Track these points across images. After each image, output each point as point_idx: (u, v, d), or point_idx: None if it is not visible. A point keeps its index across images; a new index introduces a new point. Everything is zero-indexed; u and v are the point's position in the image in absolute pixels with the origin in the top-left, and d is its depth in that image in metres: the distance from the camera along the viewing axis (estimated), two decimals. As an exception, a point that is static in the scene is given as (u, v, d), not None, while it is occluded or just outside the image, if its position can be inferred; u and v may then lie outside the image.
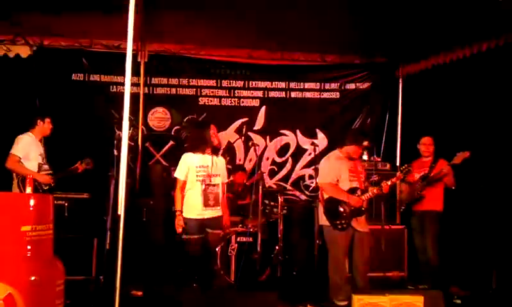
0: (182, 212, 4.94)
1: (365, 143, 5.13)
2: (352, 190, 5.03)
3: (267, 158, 7.83)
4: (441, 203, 5.88)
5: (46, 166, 5.62)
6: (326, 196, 5.15)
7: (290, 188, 7.83)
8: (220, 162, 5.14)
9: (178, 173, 5.00)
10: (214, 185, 4.97)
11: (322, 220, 5.16)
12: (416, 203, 5.91)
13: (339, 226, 4.98)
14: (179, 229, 4.92)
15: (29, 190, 3.73)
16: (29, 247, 3.36)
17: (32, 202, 3.45)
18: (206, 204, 4.91)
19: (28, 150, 5.46)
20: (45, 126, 5.67)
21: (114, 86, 7.38)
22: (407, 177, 5.56)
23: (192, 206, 4.94)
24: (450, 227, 6.16)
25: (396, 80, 7.91)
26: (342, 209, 4.99)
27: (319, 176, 5.30)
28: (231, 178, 6.27)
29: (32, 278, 3.32)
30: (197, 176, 4.94)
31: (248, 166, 7.63)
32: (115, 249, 3.54)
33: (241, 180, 6.89)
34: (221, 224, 5.12)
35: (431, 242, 5.78)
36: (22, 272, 3.31)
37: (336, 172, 5.08)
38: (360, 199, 4.96)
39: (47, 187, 5.53)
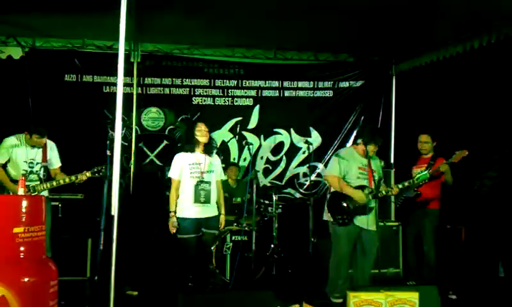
0: (175, 212, 4.94)
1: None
2: (357, 188, 4.96)
3: (262, 157, 7.84)
4: (439, 200, 5.86)
5: (33, 176, 5.12)
6: (331, 190, 5.13)
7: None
8: (215, 159, 5.13)
9: (172, 173, 5.02)
10: (206, 182, 4.96)
11: (327, 215, 5.12)
12: (414, 200, 5.87)
13: (340, 221, 4.94)
14: (173, 230, 4.93)
15: (21, 191, 3.68)
16: (21, 248, 3.34)
17: (24, 203, 3.42)
18: (196, 200, 4.90)
19: (9, 154, 5.06)
20: (32, 140, 5.10)
21: (107, 87, 7.36)
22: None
23: (185, 204, 4.94)
24: (447, 224, 6.18)
25: (389, 77, 7.94)
26: (345, 204, 4.96)
27: (326, 169, 5.23)
28: (226, 177, 6.27)
29: (26, 279, 3.29)
30: (190, 173, 4.94)
31: (242, 165, 7.64)
32: (109, 250, 3.53)
33: (234, 175, 6.95)
34: (216, 223, 5.11)
35: (429, 240, 5.76)
36: (15, 274, 3.28)
37: (343, 167, 5.00)
38: (364, 196, 4.90)
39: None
